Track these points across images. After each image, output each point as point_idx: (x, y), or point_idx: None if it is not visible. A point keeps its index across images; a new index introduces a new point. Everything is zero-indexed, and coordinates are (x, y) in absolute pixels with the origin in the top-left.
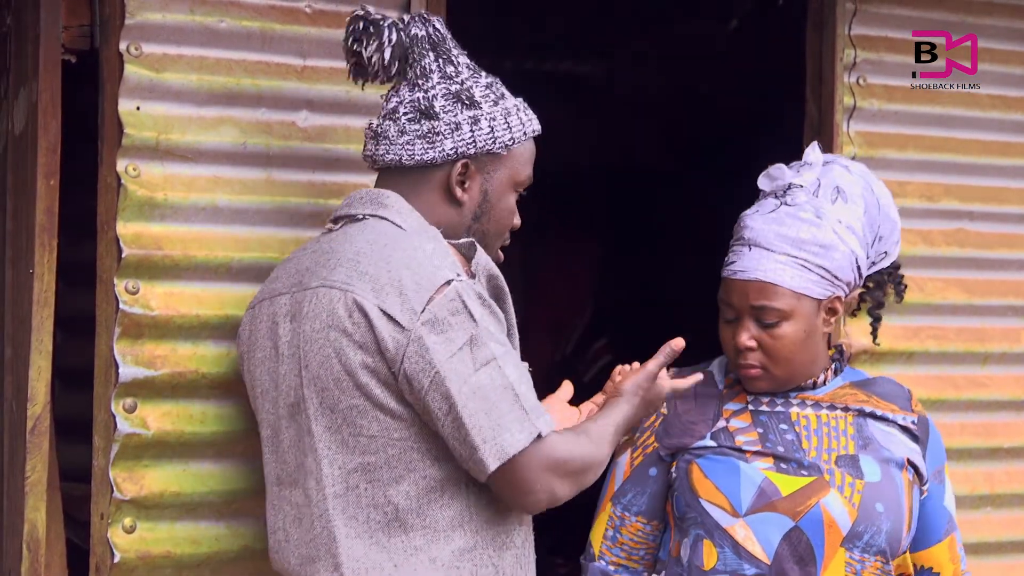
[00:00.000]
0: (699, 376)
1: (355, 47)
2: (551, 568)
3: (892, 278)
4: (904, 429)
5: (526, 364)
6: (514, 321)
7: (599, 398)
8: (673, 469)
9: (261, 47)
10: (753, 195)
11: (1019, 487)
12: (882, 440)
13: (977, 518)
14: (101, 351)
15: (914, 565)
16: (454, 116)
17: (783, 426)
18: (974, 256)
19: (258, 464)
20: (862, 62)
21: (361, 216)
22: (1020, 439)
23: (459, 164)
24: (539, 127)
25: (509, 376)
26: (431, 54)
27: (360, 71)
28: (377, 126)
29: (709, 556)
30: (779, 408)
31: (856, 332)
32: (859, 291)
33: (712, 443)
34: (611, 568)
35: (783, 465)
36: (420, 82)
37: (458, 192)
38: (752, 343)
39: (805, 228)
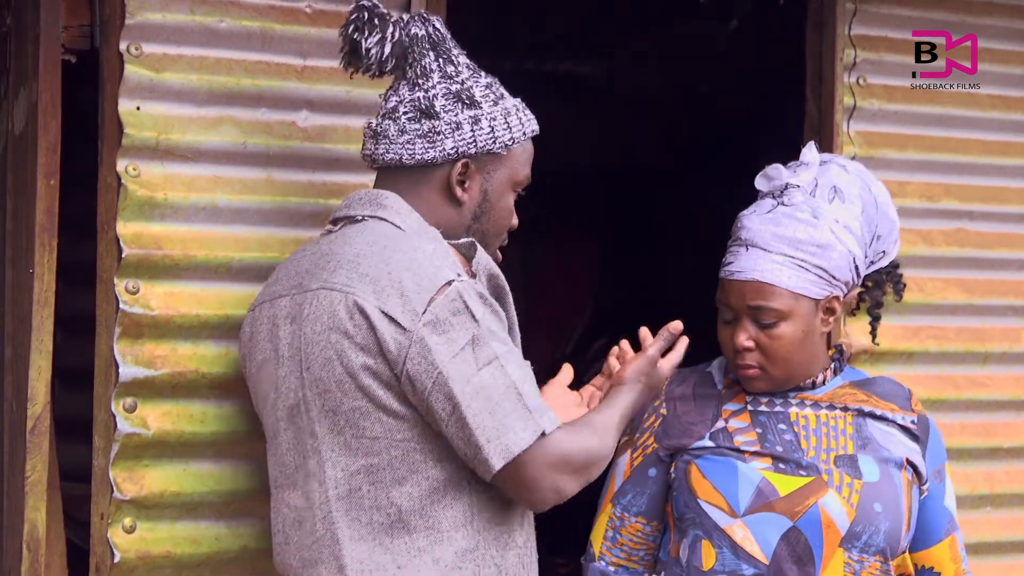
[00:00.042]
0: (684, 338)
1: (355, 36)
2: (551, 568)
3: (891, 277)
4: (904, 429)
5: (528, 362)
6: (515, 320)
7: (598, 380)
8: (672, 470)
9: (261, 47)
10: (753, 195)
11: (1019, 487)
12: (881, 440)
13: (977, 518)
14: (101, 351)
15: (915, 565)
16: (455, 116)
17: (782, 426)
18: (974, 256)
19: (258, 464)
20: (862, 62)
21: (360, 217)
22: (1020, 439)
23: (459, 164)
24: (537, 127)
25: (512, 375)
26: (431, 53)
27: (355, 60)
28: (376, 125)
29: (708, 556)
30: (778, 408)
31: (856, 332)
32: (858, 290)
33: (711, 443)
34: (611, 568)
35: (781, 465)
36: (420, 81)
37: (458, 192)
38: (750, 343)
39: (802, 228)
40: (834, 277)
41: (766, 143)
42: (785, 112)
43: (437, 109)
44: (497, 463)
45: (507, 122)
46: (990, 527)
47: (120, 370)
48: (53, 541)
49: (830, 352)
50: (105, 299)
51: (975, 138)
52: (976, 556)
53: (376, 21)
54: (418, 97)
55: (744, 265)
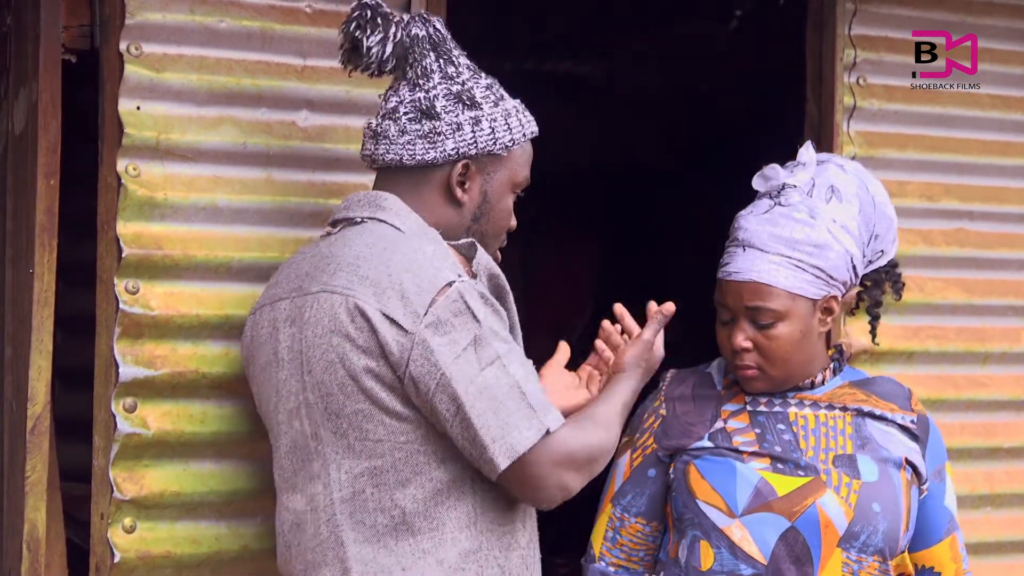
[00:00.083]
0: (671, 305)
1: (356, 33)
2: (552, 568)
3: (890, 276)
4: (903, 428)
5: (531, 361)
6: (516, 319)
7: (593, 359)
8: (671, 470)
9: (261, 47)
10: (753, 195)
11: (1019, 487)
12: (880, 440)
13: (977, 518)
14: (101, 351)
15: (915, 565)
16: (455, 116)
17: (781, 426)
18: (974, 256)
19: (258, 464)
20: (862, 62)
21: (359, 219)
22: (1020, 439)
23: (460, 164)
24: (537, 129)
25: (515, 374)
26: (432, 54)
27: (355, 58)
28: (376, 126)
29: (706, 557)
30: (777, 408)
31: (856, 332)
32: (857, 290)
33: (709, 444)
34: (611, 569)
35: (780, 465)
36: (421, 82)
37: (458, 192)
38: (748, 344)
39: (799, 228)
40: (832, 277)
41: (766, 143)
42: (785, 112)
43: (438, 110)
44: (503, 462)
45: (507, 123)
46: (990, 527)
47: (120, 370)
48: (53, 541)
49: (830, 352)
50: (105, 299)
51: (975, 138)
52: (976, 556)
53: (379, 20)
54: (419, 98)
55: (741, 266)
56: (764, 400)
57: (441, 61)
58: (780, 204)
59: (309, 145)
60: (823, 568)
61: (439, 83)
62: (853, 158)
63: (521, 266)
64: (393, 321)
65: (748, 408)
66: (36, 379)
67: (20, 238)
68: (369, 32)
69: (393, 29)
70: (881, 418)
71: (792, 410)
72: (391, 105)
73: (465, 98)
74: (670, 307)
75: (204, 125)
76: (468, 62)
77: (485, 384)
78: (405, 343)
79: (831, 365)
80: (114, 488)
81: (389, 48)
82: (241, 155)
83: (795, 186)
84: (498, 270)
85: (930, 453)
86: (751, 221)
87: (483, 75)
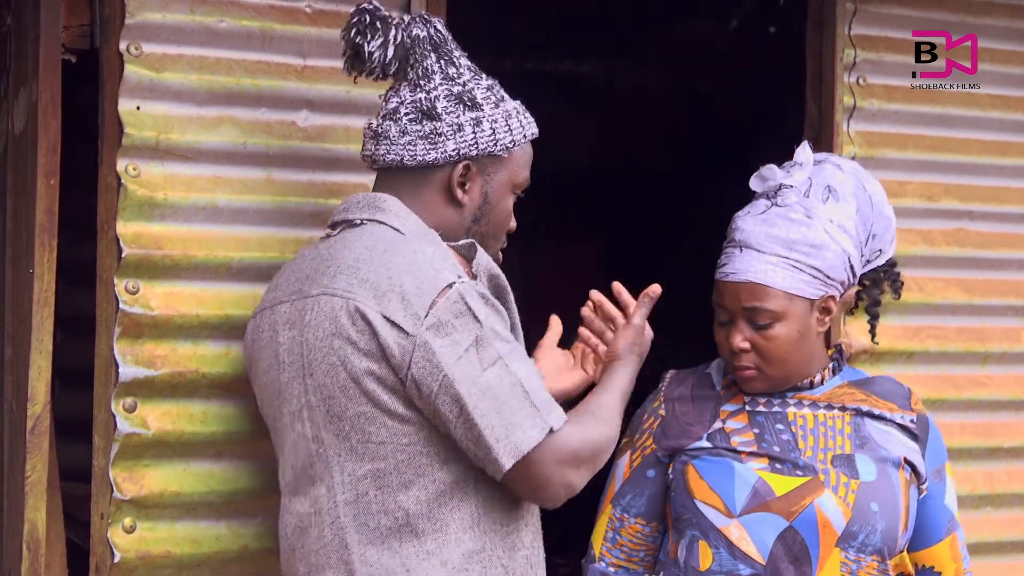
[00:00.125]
0: (656, 288)
1: (357, 39)
2: (552, 568)
3: (888, 275)
4: (903, 428)
5: (533, 359)
6: (517, 319)
7: (585, 332)
8: (670, 471)
9: (261, 47)
10: (752, 195)
11: (1019, 487)
12: (879, 439)
13: (977, 518)
14: (101, 351)
15: (915, 564)
16: (456, 117)
17: (779, 426)
18: (974, 256)
19: (258, 464)
20: (862, 62)
21: (359, 221)
22: (1020, 439)
23: (460, 165)
24: (537, 130)
25: (517, 373)
26: (433, 55)
27: (358, 64)
28: (377, 126)
29: (705, 557)
30: (776, 408)
31: (856, 332)
32: (855, 289)
33: (708, 444)
34: (611, 569)
35: (778, 465)
36: (422, 83)
37: (459, 193)
38: (746, 345)
39: (795, 228)
40: (829, 277)
41: (766, 143)
42: (785, 112)
43: (439, 111)
44: (507, 462)
45: (508, 124)
46: (990, 527)
47: (120, 370)
48: (53, 541)
49: (829, 352)
50: (105, 299)
51: (975, 138)
52: (976, 556)
53: (378, 24)
54: (420, 98)
55: (738, 266)
56: (763, 400)
57: (442, 62)
58: (777, 204)
59: (309, 145)
60: (821, 568)
61: (440, 84)
62: (853, 158)
63: (521, 266)
64: (394, 323)
65: (747, 408)
66: (36, 379)
67: (20, 238)
68: (370, 37)
69: (393, 32)
70: (880, 418)
71: (791, 410)
72: (392, 106)
73: (466, 99)
74: (656, 289)
75: (204, 125)
76: (469, 63)
77: (488, 384)
78: (406, 345)
79: (830, 365)
80: (114, 488)
81: (391, 52)
82: (241, 155)
83: (792, 186)
84: (498, 270)
85: (930, 453)
86: (748, 222)
87: (484, 76)
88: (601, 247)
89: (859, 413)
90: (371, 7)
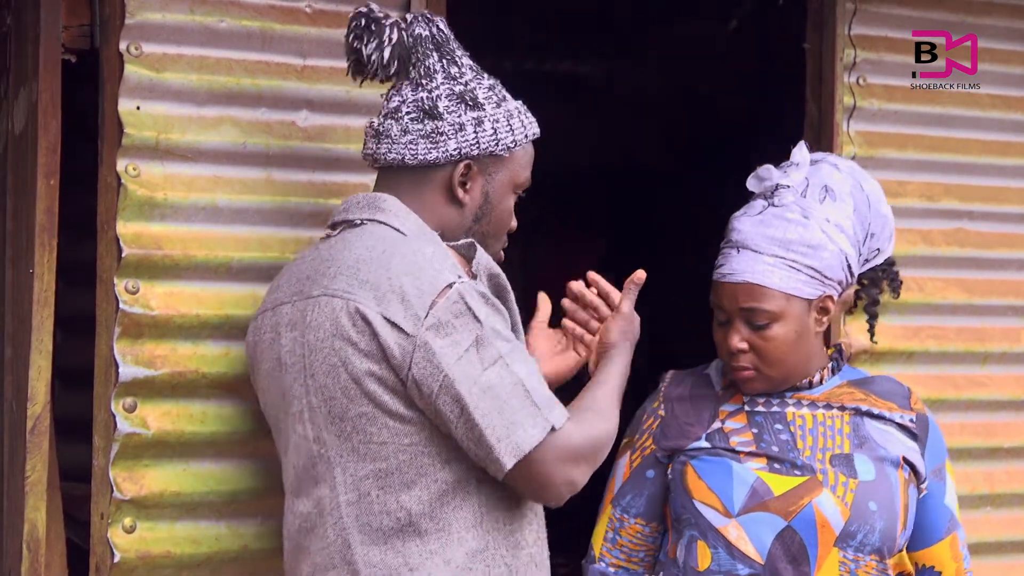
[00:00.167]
0: (641, 273)
1: (355, 44)
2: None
3: (887, 274)
4: (902, 427)
5: (534, 358)
6: (518, 318)
7: (576, 312)
8: (669, 471)
9: (261, 47)
10: (752, 195)
11: (1019, 487)
12: (878, 439)
13: (977, 518)
14: (101, 351)
15: (915, 564)
16: (458, 117)
17: (778, 426)
18: (974, 256)
19: (258, 464)
20: (862, 62)
21: (359, 221)
22: (1020, 439)
23: (462, 165)
24: (539, 130)
25: (518, 372)
26: (435, 54)
27: (359, 69)
28: (379, 125)
29: (703, 557)
30: (775, 408)
31: (856, 332)
32: (854, 289)
33: (706, 444)
34: (611, 570)
35: (776, 465)
36: (424, 82)
37: (460, 193)
38: (744, 345)
39: (792, 229)
40: (826, 277)
41: (766, 143)
42: (785, 112)
43: (440, 110)
44: (509, 461)
45: (510, 124)
46: (990, 527)
47: (120, 370)
48: (53, 541)
49: (829, 352)
50: (105, 299)
51: (975, 138)
52: (976, 556)
53: (373, 27)
54: (421, 97)
55: (735, 267)
56: (762, 400)
57: (444, 61)
58: (773, 205)
59: (309, 145)
60: (820, 567)
61: (442, 83)
62: (853, 158)
63: (521, 266)
64: (394, 324)
65: (746, 408)
66: (36, 379)
67: (20, 238)
68: (366, 40)
69: (388, 32)
70: (879, 417)
71: (790, 410)
72: (393, 104)
73: (468, 99)
74: (640, 275)
75: (204, 125)
76: (471, 63)
77: (488, 384)
78: (407, 346)
79: (829, 365)
80: (114, 488)
81: (387, 53)
82: (241, 155)
83: (788, 186)
84: (498, 269)
85: (929, 452)
86: (745, 222)
87: (486, 76)
88: (601, 247)
89: (858, 413)
90: (366, 10)
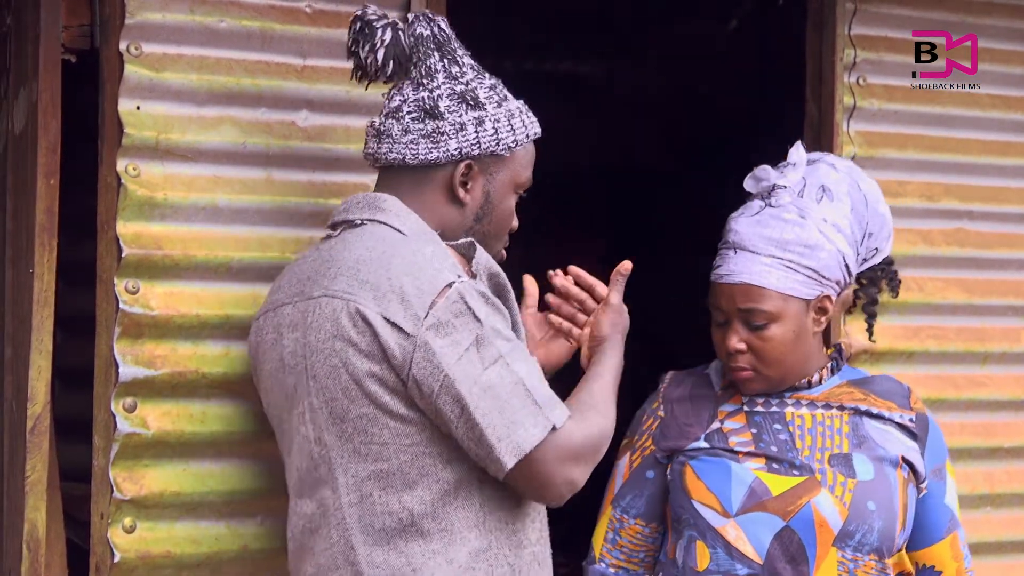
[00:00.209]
0: (628, 264)
1: (352, 48)
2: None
3: (885, 274)
4: (901, 427)
5: (535, 357)
6: (519, 318)
7: (556, 320)
8: (668, 471)
9: (261, 47)
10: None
11: (1019, 487)
12: (877, 438)
13: (977, 518)
14: (101, 351)
15: (916, 564)
16: (459, 116)
17: (777, 426)
18: (974, 256)
19: (259, 464)
20: (862, 62)
21: (359, 222)
22: (1020, 439)
23: (462, 165)
24: (540, 130)
25: (518, 371)
26: (436, 54)
27: (361, 71)
28: (380, 124)
29: (702, 557)
30: (774, 408)
31: (856, 332)
32: (853, 288)
33: (705, 444)
34: (611, 570)
35: (775, 465)
36: (425, 81)
37: (460, 193)
38: (742, 346)
39: (789, 229)
40: (824, 277)
41: (766, 143)
42: (785, 112)
43: (441, 109)
44: (509, 461)
45: (511, 124)
46: (990, 527)
47: (120, 370)
48: (53, 541)
49: (828, 351)
50: (105, 299)
51: (975, 138)
52: (976, 556)
53: (366, 30)
54: (422, 97)
55: (733, 268)
56: (761, 400)
57: (445, 61)
58: (770, 205)
59: (309, 145)
60: (818, 567)
61: (443, 83)
62: (853, 158)
63: (522, 266)
64: (394, 325)
65: (745, 408)
66: (36, 379)
67: (20, 238)
68: (361, 44)
69: (380, 34)
70: (879, 417)
71: (789, 410)
72: (395, 104)
73: (469, 98)
74: (627, 265)
75: (204, 125)
76: (472, 62)
77: (489, 383)
78: (407, 346)
79: (828, 364)
80: (114, 488)
81: (381, 55)
82: (241, 155)
83: (785, 187)
84: (498, 269)
85: (929, 452)
86: (742, 223)
87: (487, 75)
88: (601, 247)
89: (857, 412)
90: (362, 12)
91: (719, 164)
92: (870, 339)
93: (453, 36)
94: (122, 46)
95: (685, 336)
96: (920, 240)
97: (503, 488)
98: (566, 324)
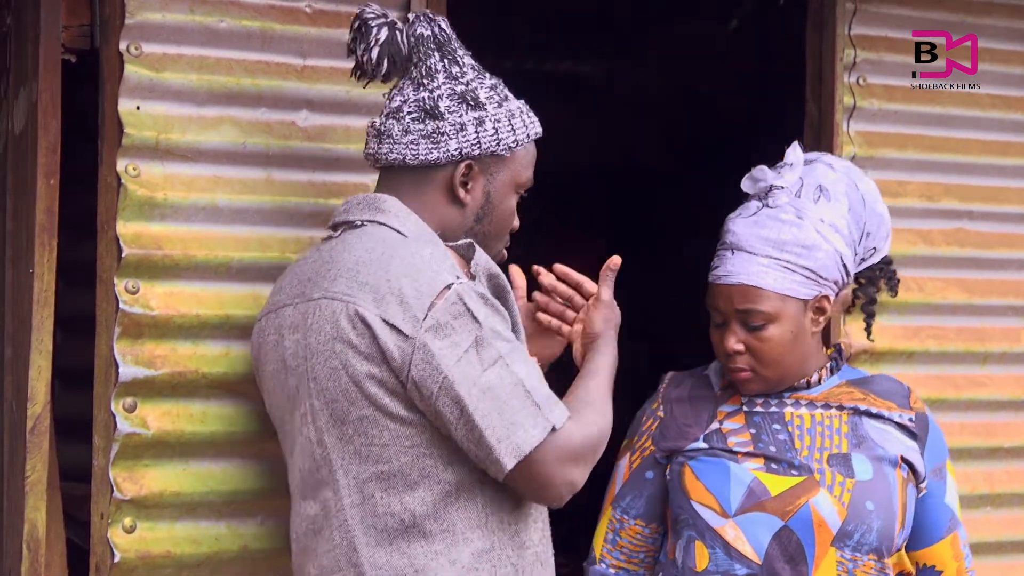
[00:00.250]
0: (617, 259)
1: (351, 47)
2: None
3: (884, 273)
4: (901, 427)
5: (535, 358)
6: (519, 318)
7: (545, 318)
8: (668, 472)
9: (261, 47)
10: None
11: (1019, 487)
12: (876, 438)
13: (977, 518)
14: (101, 351)
15: (916, 563)
16: (459, 117)
17: (776, 426)
18: (974, 256)
19: (258, 464)
20: (862, 62)
21: (359, 222)
22: (1020, 439)
23: (463, 165)
24: (541, 130)
25: (518, 372)
26: (436, 54)
27: (360, 70)
28: (380, 124)
29: (701, 557)
30: (773, 408)
31: (856, 332)
32: (852, 288)
33: (704, 445)
34: (611, 571)
35: (774, 465)
36: (425, 81)
37: (461, 193)
38: (740, 347)
39: (786, 229)
40: (821, 277)
41: (766, 143)
42: (785, 112)
43: (442, 110)
44: (509, 463)
45: (511, 124)
46: (990, 527)
47: (120, 370)
48: (53, 541)
49: (828, 352)
50: (105, 299)
51: (975, 138)
52: (976, 556)
53: (363, 29)
54: (423, 97)
55: (730, 269)
56: (760, 401)
57: (446, 61)
58: (768, 206)
59: (309, 145)
60: (817, 567)
61: (443, 83)
62: (853, 158)
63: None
64: (393, 327)
65: (744, 409)
66: (36, 379)
67: (20, 238)
68: (358, 42)
69: (375, 33)
70: (878, 416)
71: (788, 410)
72: (395, 104)
73: (469, 98)
74: (616, 260)
75: (204, 125)
76: (473, 62)
77: (488, 385)
78: (406, 348)
79: (828, 364)
80: (114, 488)
81: (376, 52)
82: (241, 155)
83: (783, 187)
84: (497, 269)
85: (929, 451)
86: (739, 224)
87: (488, 75)
88: (601, 247)
89: (857, 412)
90: (360, 11)
91: (719, 164)
92: (868, 338)
93: (454, 36)
94: (122, 46)
95: (685, 336)
96: (920, 240)
97: (505, 489)
98: (555, 322)
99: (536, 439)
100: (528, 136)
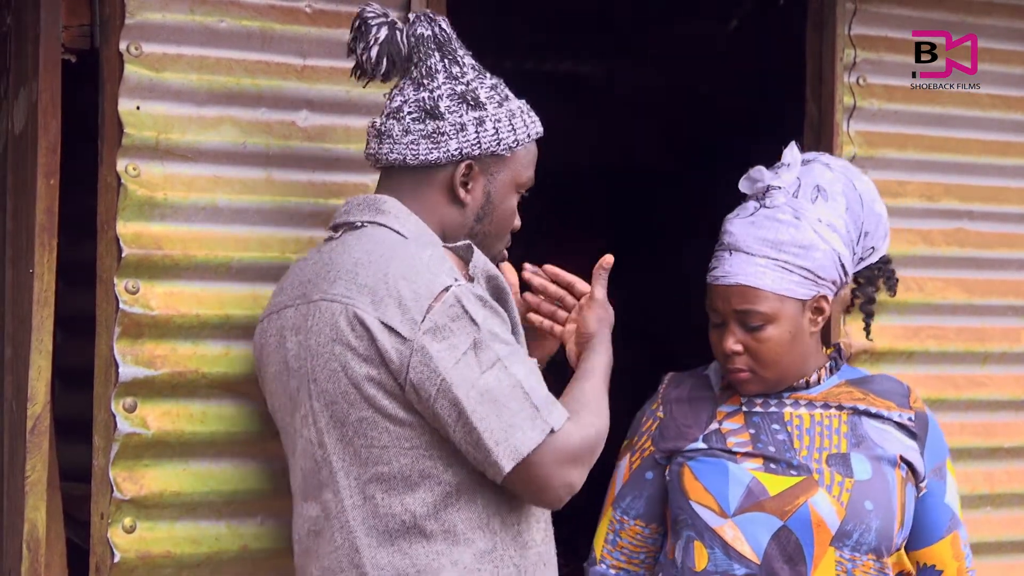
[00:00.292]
0: (609, 258)
1: (351, 46)
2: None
3: (883, 273)
4: (900, 426)
5: (534, 359)
6: (518, 319)
7: (536, 319)
8: (667, 472)
9: (261, 47)
10: None
11: (1019, 487)
12: (876, 438)
13: (977, 518)
14: (101, 351)
15: (916, 563)
16: (459, 117)
17: (775, 426)
18: (974, 256)
19: (258, 464)
20: (862, 62)
21: (360, 223)
22: (1020, 439)
23: (463, 165)
24: (541, 129)
25: (516, 374)
26: (437, 54)
27: (359, 70)
28: (380, 125)
29: (700, 557)
30: (772, 409)
31: (855, 332)
32: (850, 287)
33: (703, 445)
34: (612, 571)
35: (772, 465)
36: (425, 81)
37: (461, 193)
38: (738, 347)
39: (784, 230)
40: (819, 277)
41: (766, 143)
42: (785, 112)
43: (442, 110)
44: (507, 465)
45: (511, 124)
46: (990, 527)
47: (120, 370)
48: (53, 541)
49: (827, 351)
50: (105, 299)
51: (975, 138)
52: (976, 556)
53: (363, 28)
54: (423, 97)
55: (728, 270)
56: (759, 401)
57: (446, 61)
58: (765, 206)
59: (309, 145)
60: (816, 567)
61: (443, 83)
62: (853, 158)
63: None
64: (391, 329)
65: (743, 409)
66: (36, 379)
67: (20, 238)
68: (358, 41)
69: (374, 32)
70: (877, 416)
71: (787, 410)
72: (395, 104)
73: (469, 98)
74: (608, 259)
75: (204, 125)
76: (473, 62)
77: (486, 387)
78: (404, 351)
79: (827, 364)
80: (114, 488)
81: (375, 51)
82: (241, 155)
83: (780, 187)
84: (496, 271)
85: (929, 451)
86: (737, 225)
87: (488, 75)
88: (601, 247)
89: (856, 412)
90: (360, 11)
91: (719, 164)
92: (867, 338)
93: (454, 36)
94: (122, 46)
95: (685, 336)
96: (920, 240)
97: (506, 489)
98: (547, 323)
99: (534, 441)
100: (529, 136)
